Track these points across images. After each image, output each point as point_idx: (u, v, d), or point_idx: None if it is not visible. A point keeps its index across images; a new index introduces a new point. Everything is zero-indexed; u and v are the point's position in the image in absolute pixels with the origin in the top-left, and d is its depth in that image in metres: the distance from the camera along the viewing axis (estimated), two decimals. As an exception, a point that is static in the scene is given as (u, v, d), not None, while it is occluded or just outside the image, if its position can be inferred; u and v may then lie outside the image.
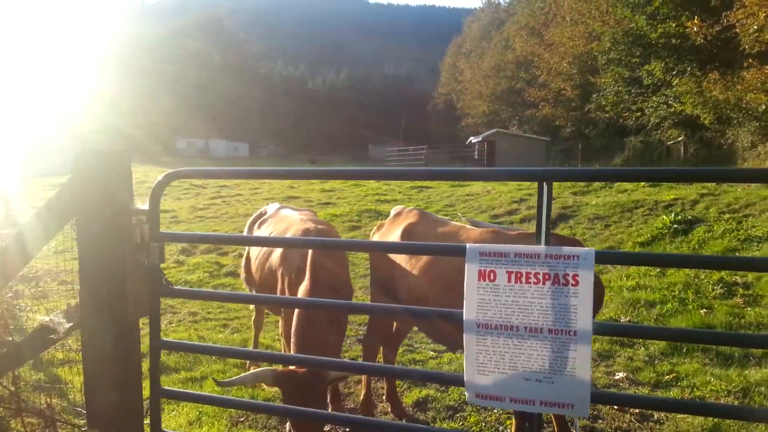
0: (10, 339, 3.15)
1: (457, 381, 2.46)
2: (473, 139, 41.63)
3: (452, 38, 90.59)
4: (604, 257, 2.20)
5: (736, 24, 23.14)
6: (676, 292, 6.75)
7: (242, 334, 6.06)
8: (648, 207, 10.56)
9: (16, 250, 3.10)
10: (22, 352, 3.11)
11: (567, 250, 2.19)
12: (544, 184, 2.25)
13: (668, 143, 32.36)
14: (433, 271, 3.56)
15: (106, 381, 2.95)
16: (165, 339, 3.01)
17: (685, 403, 3.38)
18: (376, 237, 4.27)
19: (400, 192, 15.43)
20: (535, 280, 2.23)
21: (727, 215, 9.26)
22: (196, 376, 4.81)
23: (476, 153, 37.64)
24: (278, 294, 3.84)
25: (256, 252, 4.49)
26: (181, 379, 4.69)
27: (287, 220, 4.46)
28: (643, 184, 12.22)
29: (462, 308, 2.96)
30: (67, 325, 3.00)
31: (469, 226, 3.77)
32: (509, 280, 2.27)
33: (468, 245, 2.34)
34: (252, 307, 5.83)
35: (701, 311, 6.17)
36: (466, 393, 2.36)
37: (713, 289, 6.76)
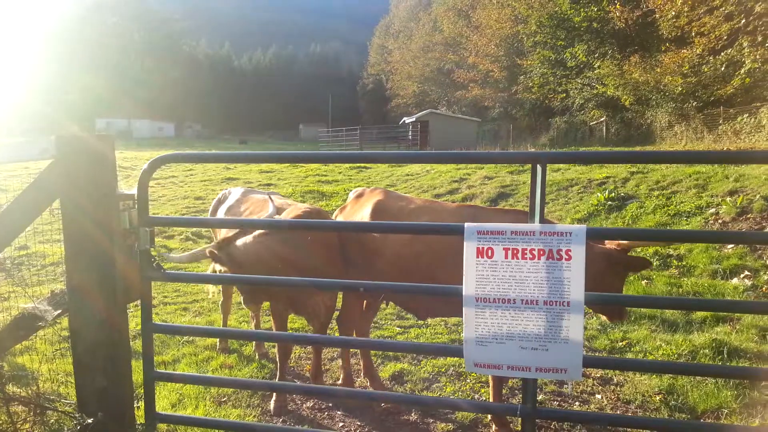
0: (-12, 328, 3.07)
1: (456, 352, 2.62)
2: (407, 120, 41.97)
3: (380, 18, 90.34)
4: (594, 233, 2.40)
5: (656, 9, 24.28)
6: (617, 265, 7.20)
7: (205, 317, 6.03)
8: (582, 185, 11.10)
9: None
10: (3, 341, 3.04)
11: (560, 227, 2.37)
12: (538, 165, 2.42)
13: (591, 123, 33.76)
14: (418, 244, 3.71)
15: (97, 366, 2.94)
16: (156, 323, 3.02)
17: (664, 364, 3.69)
18: (340, 218, 4.36)
19: (340, 173, 15.48)
20: (531, 256, 2.41)
21: (657, 192, 9.87)
22: (168, 359, 4.77)
23: (410, 133, 37.99)
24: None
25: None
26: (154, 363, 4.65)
27: (265, 204, 4.49)
28: (574, 163, 12.80)
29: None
30: (55, 312, 2.96)
31: (444, 201, 3.96)
32: (506, 257, 2.44)
33: (466, 225, 2.49)
34: (212, 292, 5.82)
35: (643, 282, 6.63)
36: (465, 362, 2.52)
37: (653, 262, 7.25)
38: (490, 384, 3.77)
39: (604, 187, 10.67)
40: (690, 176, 10.18)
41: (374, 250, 3.96)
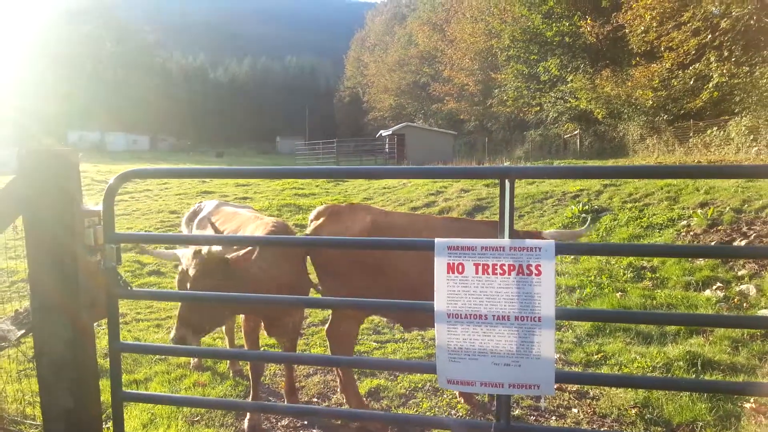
0: (-53, 349, 2.98)
1: (430, 369, 2.60)
2: (383, 133, 42.08)
3: (355, 31, 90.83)
4: (563, 248, 2.40)
5: (625, 25, 24.76)
6: (592, 277, 7.27)
7: (177, 335, 5.93)
8: (557, 198, 11.21)
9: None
10: (-35, 363, 2.95)
11: (529, 242, 2.37)
12: (506, 181, 2.42)
13: (565, 136, 34.21)
14: (425, 260, 3.71)
15: (63, 386, 2.86)
16: (124, 342, 2.95)
17: (634, 379, 3.70)
18: (323, 234, 4.27)
19: (317, 186, 15.45)
20: (501, 271, 2.41)
21: (630, 204, 10.01)
22: (139, 378, 4.67)
23: (387, 146, 38.09)
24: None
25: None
26: (124, 382, 4.54)
27: (238, 218, 4.44)
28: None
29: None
30: (19, 333, 2.87)
31: (430, 214, 4.01)
32: (477, 272, 2.44)
33: (436, 240, 2.48)
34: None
35: (617, 294, 6.69)
36: (438, 379, 2.51)
37: (624, 273, 7.34)
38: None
39: (578, 199, 10.79)
40: (662, 188, 10.35)
41: (376, 267, 3.89)
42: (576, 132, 32.40)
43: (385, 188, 14.76)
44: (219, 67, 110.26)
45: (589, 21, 28.89)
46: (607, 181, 11.56)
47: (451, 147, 38.33)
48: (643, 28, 23.19)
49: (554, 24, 32.59)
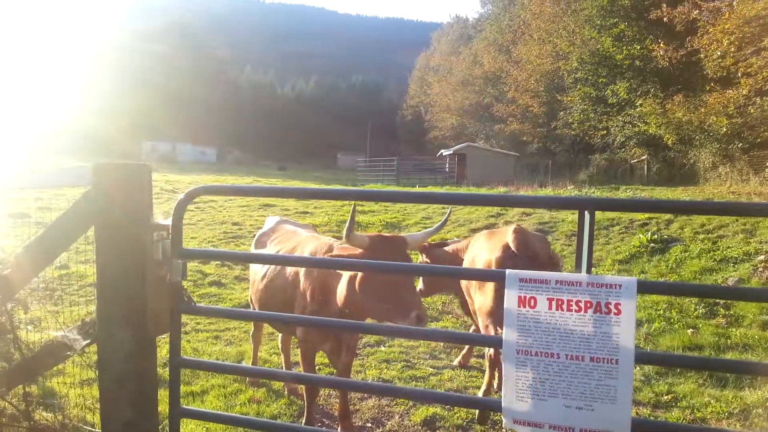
0: (18, 353, 3.04)
1: (494, 406, 2.47)
2: (444, 152, 41.93)
3: (420, 51, 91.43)
4: (645, 287, 2.25)
5: (701, 49, 23.91)
6: (661, 311, 6.91)
7: (236, 347, 5.96)
8: (624, 225, 10.80)
9: (28, 260, 3.01)
10: (34, 368, 3.01)
11: (609, 278, 2.23)
12: (586, 212, 2.29)
13: (632, 161, 33.20)
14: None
15: (123, 398, 2.88)
16: (185, 357, 2.95)
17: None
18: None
19: (376, 203, 15.44)
20: (577, 308, 2.26)
21: (702, 235, 9.53)
22: (196, 390, 4.71)
23: (447, 166, 37.92)
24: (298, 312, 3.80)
25: (259, 267, 4.45)
26: (181, 394, 4.58)
27: (296, 237, 4.46)
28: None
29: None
30: (84, 342, 2.91)
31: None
32: (550, 307, 2.30)
33: (507, 271, 2.36)
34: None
35: (688, 331, 6.34)
36: (503, 417, 2.38)
37: (695, 309, 6.95)
38: None
39: (646, 228, 10.37)
40: (737, 221, 9.82)
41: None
42: (644, 157, 31.40)
43: (444, 208, 14.60)
44: (286, 84, 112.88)
45: (662, 45, 28.06)
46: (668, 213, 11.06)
47: (513, 168, 37.83)
48: (720, 53, 22.33)
49: (625, 47, 31.82)
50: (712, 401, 4.65)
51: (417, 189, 22.46)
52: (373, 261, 3.28)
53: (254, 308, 4.56)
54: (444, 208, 14.71)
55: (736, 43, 21.28)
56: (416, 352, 5.97)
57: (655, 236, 9.70)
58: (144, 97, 65.88)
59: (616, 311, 2.21)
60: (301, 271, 3.87)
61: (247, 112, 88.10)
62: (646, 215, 10.98)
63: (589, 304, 2.24)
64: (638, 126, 30.71)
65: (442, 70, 72.05)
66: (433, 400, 4.09)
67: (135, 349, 2.87)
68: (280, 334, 5.17)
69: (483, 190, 21.49)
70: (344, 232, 3.55)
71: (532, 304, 2.32)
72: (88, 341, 2.91)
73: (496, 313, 4.70)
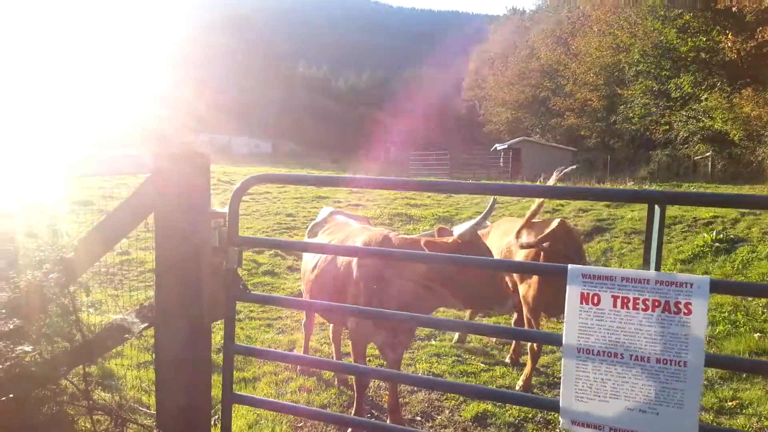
0: (80, 335, 3.11)
1: (552, 406, 2.39)
2: (498, 146, 41.41)
3: (475, 44, 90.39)
4: (719, 286, 2.12)
5: (774, 41, 22.79)
6: (726, 314, 6.61)
7: (287, 335, 6.02)
8: (687, 224, 10.39)
9: (91, 245, 3.08)
10: (94, 349, 3.08)
11: (679, 276, 2.11)
12: (656, 206, 2.18)
13: (695, 158, 32.00)
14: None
15: (178, 383, 2.92)
16: (238, 344, 2.96)
17: None
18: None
19: (429, 197, 15.35)
20: (644, 307, 2.15)
21: (771, 236, 9.09)
22: (248, 377, 4.77)
23: (501, 160, 37.44)
24: (350, 302, 3.79)
25: (311, 257, 4.46)
26: (233, 380, 4.66)
27: (347, 228, 4.45)
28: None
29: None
30: (142, 326, 2.97)
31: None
32: (615, 305, 2.20)
33: (569, 266, 2.27)
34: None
35: (755, 335, 6.04)
36: (560, 418, 2.30)
37: (763, 312, 6.62)
38: None
39: (711, 227, 9.94)
40: (810, 220, 9.32)
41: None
42: (708, 154, 30.20)
43: (499, 203, 14.41)
44: (340, 78, 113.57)
45: (730, 36, 26.83)
46: (745, 209, 10.56)
47: (569, 163, 37.03)
48: (794, 44, 21.23)
49: (689, 39, 30.54)
50: (782, 410, 4.41)
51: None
52: (446, 254, 3.20)
53: (306, 298, 4.57)
54: (500, 203, 14.51)
55: (812, 34, 20.18)
56: (468, 347, 5.89)
57: (720, 236, 9.29)
58: (202, 90, 67.45)
59: (686, 311, 2.10)
60: (354, 261, 3.84)
61: (301, 105, 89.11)
62: (711, 214, 10.53)
63: (657, 303, 2.13)
64: (703, 121, 29.54)
65: (497, 63, 71.05)
66: (484, 396, 4.01)
67: (191, 334, 2.91)
68: (332, 325, 5.18)
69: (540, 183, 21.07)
70: (468, 227, 3.56)
71: (596, 301, 2.22)
72: (146, 325, 2.97)
73: (538, 303, 4.71)
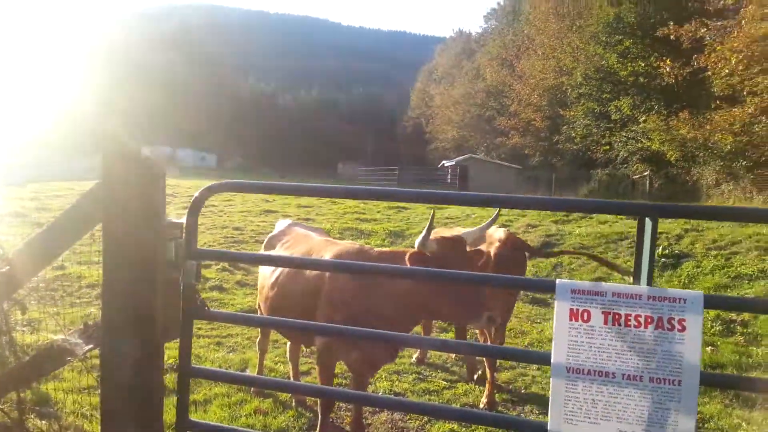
0: (13, 357, 2.81)
1: (537, 429, 2.25)
2: (446, 163, 41.87)
3: (423, 64, 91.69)
4: (713, 302, 2.05)
5: (708, 67, 23.85)
6: (679, 329, 6.70)
7: (239, 354, 5.72)
8: (632, 239, 10.61)
9: (28, 257, 2.79)
10: (30, 373, 2.78)
11: (672, 292, 2.02)
12: (647, 219, 2.09)
13: (634, 177, 33.10)
14: None
15: (127, 413, 2.65)
16: (196, 366, 2.73)
17: None
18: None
19: (378, 212, 15.22)
20: (636, 323, 2.06)
21: (714, 251, 9.33)
22: (199, 399, 4.47)
23: (449, 177, 37.83)
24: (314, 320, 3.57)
25: (269, 271, 4.23)
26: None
27: (309, 241, 4.24)
28: (623, 216, 12.29)
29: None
30: (86, 347, 2.69)
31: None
32: (605, 322, 2.10)
33: (558, 281, 2.16)
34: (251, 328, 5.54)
35: (708, 349, 6.13)
36: (548, 443, 2.16)
37: (712, 326, 6.75)
38: None
39: (657, 243, 10.16)
40: (750, 237, 9.64)
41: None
42: (646, 173, 31.30)
43: (448, 218, 14.40)
44: (289, 94, 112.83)
45: (668, 62, 28.02)
46: (688, 226, 10.86)
47: (514, 181, 37.72)
48: (727, 71, 22.26)
49: (629, 64, 31.89)
50: (742, 423, 4.44)
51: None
52: (437, 270, 3.02)
53: (265, 315, 4.33)
54: (449, 218, 14.53)
55: (744, 61, 21.23)
56: (427, 362, 5.75)
57: (666, 251, 9.51)
58: (145, 100, 65.82)
59: (680, 328, 2.01)
60: (326, 275, 3.63)
61: (248, 120, 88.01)
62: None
63: (649, 320, 2.04)
64: (641, 142, 30.67)
65: (444, 83, 72.18)
66: (453, 417, 3.85)
67: (142, 356, 2.65)
68: (288, 343, 4.93)
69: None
70: (418, 239, 3.45)
71: (586, 317, 2.11)
72: (90, 346, 2.70)
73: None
